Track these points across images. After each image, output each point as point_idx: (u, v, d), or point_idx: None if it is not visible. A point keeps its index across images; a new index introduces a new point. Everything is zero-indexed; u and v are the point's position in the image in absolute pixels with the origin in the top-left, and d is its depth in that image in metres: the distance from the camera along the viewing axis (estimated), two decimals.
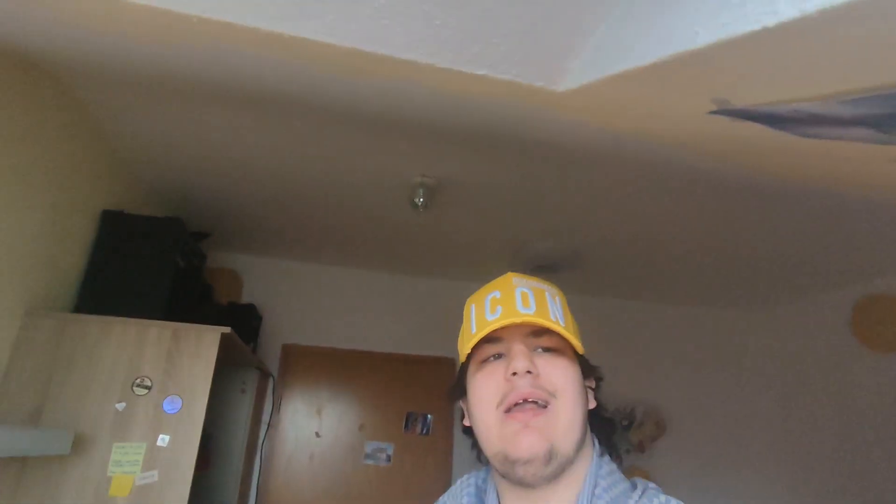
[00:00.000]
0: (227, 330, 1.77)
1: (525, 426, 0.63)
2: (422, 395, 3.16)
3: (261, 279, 3.17)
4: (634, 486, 0.67)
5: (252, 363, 2.66)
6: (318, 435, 2.98)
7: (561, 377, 0.67)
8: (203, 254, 2.29)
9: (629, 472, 0.71)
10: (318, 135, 1.83)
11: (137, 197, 2.29)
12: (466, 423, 0.75)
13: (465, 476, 0.78)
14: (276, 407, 2.97)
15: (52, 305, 1.74)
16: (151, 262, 1.92)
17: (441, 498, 0.79)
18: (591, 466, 0.66)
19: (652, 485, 0.67)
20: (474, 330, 0.71)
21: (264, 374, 2.91)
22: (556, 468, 0.62)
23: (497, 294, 0.73)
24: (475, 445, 0.74)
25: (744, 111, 1.26)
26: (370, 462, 2.97)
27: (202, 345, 1.73)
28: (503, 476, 0.66)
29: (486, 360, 0.71)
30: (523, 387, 0.65)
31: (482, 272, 3.37)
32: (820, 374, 3.21)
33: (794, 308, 3.44)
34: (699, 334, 3.69)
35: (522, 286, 0.73)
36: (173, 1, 1.10)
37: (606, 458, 0.70)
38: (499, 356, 0.70)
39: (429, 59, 1.23)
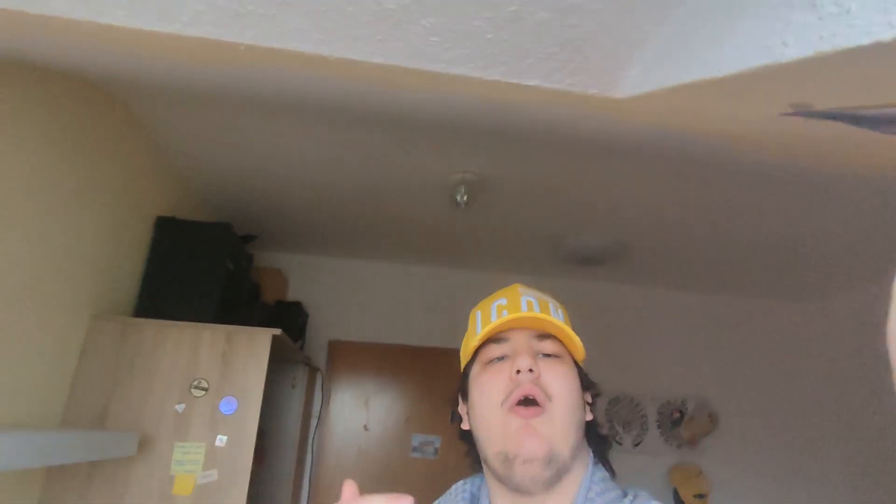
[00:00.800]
0: (278, 332, 1.81)
1: (527, 423, 0.65)
2: None
3: (306, 277, 3.23)
4: (625, 494, 0.68)
5: (300, 360, 2.72)
6: (366, 428, 3.03)
7: (558, 381, 0.69)
8: (250, 255, 2.35)
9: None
10: (360, 138, 1.84)
11: (188, 202, 2.36)
12: (465, 426, 0.77)
13: (461, 482, 0.79)
14: (326, 400, 3.04)
15: (115, 310, 1.82)
16: (203, 267, 1.99)
17: None
18: (586, 475, 0.68)
19: (643, 492, 0.68)
20: (479, 332, 0.73)
21: (313, 370, 2.97)
22: (554, 473, 0.64)
23: (503, 301, 0.76)
24: (470, 452, 0.76)
25: (825, 113, 1.17)
26: (417, 455, 3.01)
27: (254, 346, 1.77)
28: (501, 480, 0.67)
29: (489, 363, 0.72)
30: (526, 383, 0.67)
31: (525, 265, 3.34)
32: (884, 366, 3.04)
33: (853, 297, 3.26)
34: (753, 326, 3.55)
35: (528, 295, 0.76)
36: (223, 32, 1.11)
37: (600, 466, 0.71)
38: (502, 358, 0.72)
39: (479, 73, 1.20)
